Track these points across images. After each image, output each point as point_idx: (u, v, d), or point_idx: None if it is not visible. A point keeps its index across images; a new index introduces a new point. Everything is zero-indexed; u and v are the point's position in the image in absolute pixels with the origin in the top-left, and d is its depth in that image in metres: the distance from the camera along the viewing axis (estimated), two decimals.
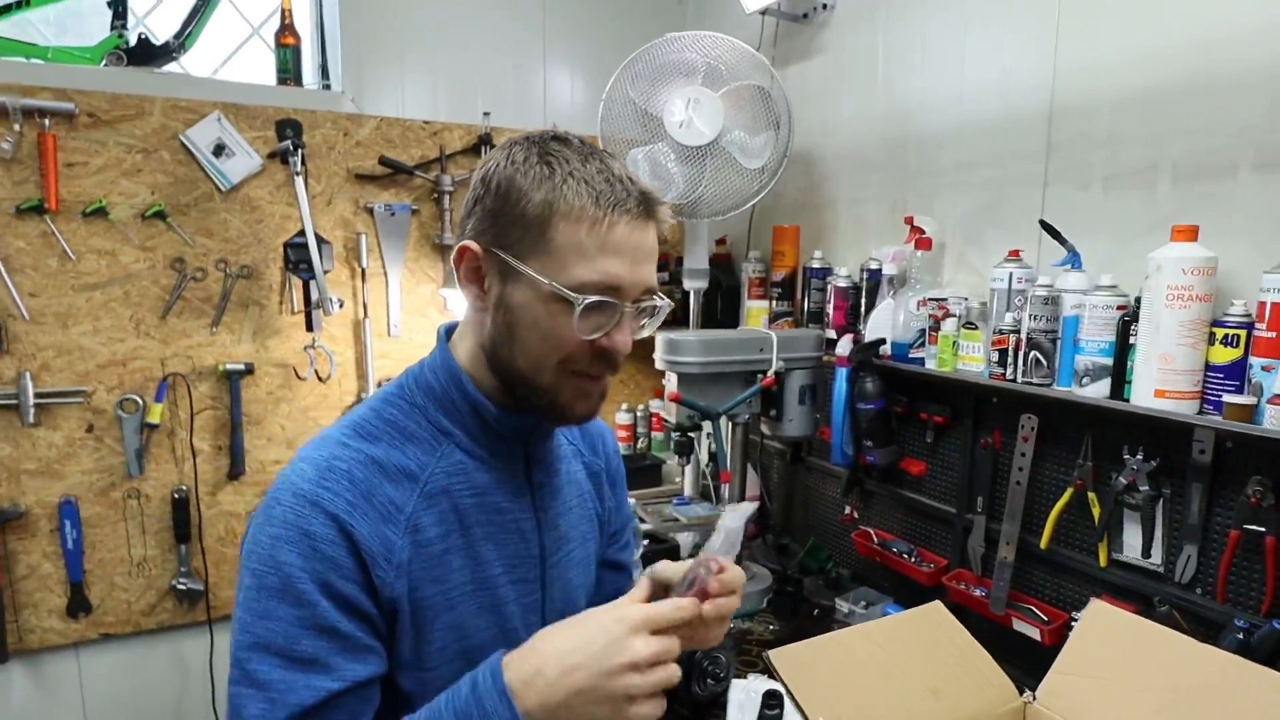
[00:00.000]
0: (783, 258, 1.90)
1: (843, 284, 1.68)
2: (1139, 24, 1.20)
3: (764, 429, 1.76)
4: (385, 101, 2.03)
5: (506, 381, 0.73)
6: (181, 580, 1.86)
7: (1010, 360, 1.28)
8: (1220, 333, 1.03)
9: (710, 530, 0.75)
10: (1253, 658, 0.91)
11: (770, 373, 1.58)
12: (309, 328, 1.89)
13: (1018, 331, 1.27)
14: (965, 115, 1.51)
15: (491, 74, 2.14)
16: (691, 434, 1.64)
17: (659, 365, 1.58)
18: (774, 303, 1.92)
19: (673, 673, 0.63)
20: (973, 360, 1.35)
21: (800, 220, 1.94)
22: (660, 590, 0.79)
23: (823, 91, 1.87)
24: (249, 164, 1.82)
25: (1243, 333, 1.01)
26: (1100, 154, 1.27)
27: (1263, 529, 1.02)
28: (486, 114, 2.06)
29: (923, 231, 1.50)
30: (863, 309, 1.64)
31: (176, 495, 1.84)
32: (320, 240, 1.82)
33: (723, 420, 1.60)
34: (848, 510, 1.72)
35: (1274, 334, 0.97)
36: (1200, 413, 1.05)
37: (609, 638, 0.61)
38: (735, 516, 0.75)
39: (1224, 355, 1.03)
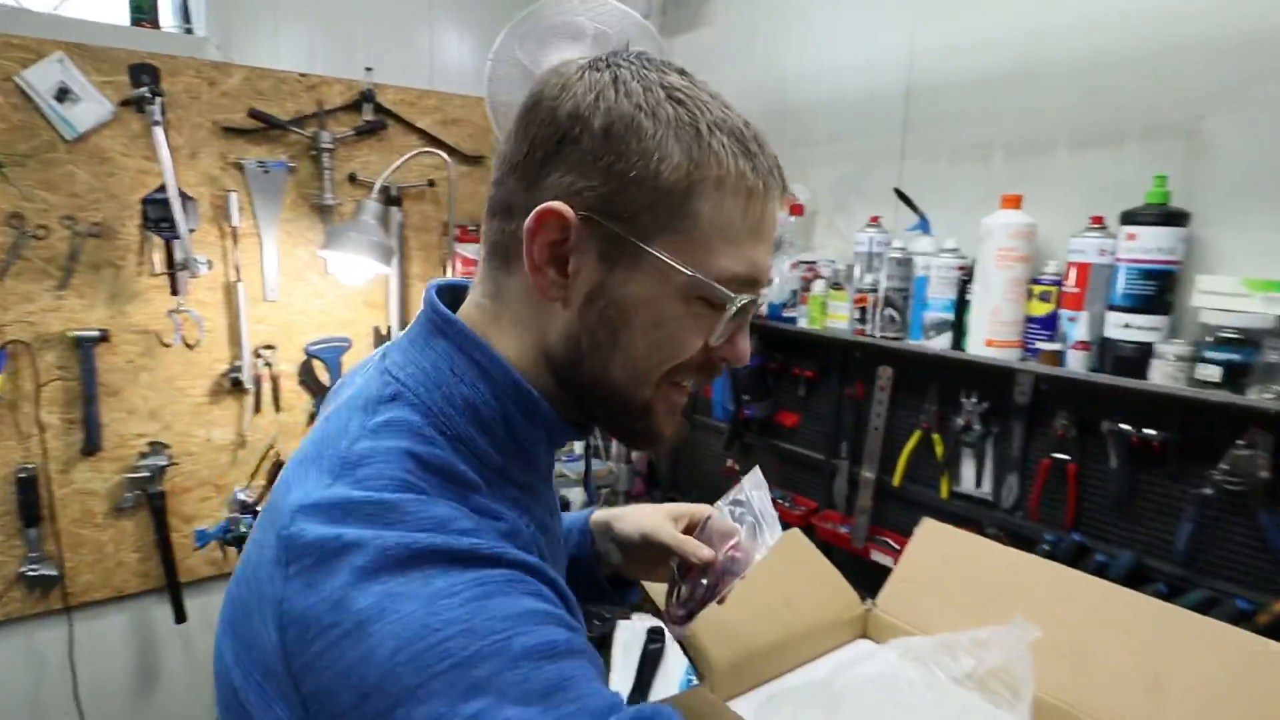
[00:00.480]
0: None
1: None
2: (984, 11, 1.33)
3: None
4: (256, 51, 1.90)
5: (581, 396, 0.56)
6: (32, 566, 1.72)
7: (870, 317, 1.40)
8: (1037, 289, 1.18)
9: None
10: (1058, 561, 1.07)
11: None
12: (174, 291, 1.76)
13: (875, 291, 1.39)
14: (836, 91, 1.61)
15: (373, 26, 2.05)
16: None
17: None
18: None
19: None
20: (839, 318, 1.47)
21: None
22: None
23: (707, 62, 1.94)
24: (98, 111, 1.66)
25: (1054, 289, 1.16)
26: (948, 131, 1.40)
27: (1067, 457, 1.19)
28: (369, 69, 1.98)
29: (796, 198, 1.60)
30: None
31: (22, 474, 1.68)
32: (185, 197, 1.70)
33: None
34: (729, 463, 1.83)
35: (1079, 290, 1.13)
36: (1022, 360, 1.21)
37: None
38: (755, 481, 0.70)
39: (1040, 309, 1.18)
